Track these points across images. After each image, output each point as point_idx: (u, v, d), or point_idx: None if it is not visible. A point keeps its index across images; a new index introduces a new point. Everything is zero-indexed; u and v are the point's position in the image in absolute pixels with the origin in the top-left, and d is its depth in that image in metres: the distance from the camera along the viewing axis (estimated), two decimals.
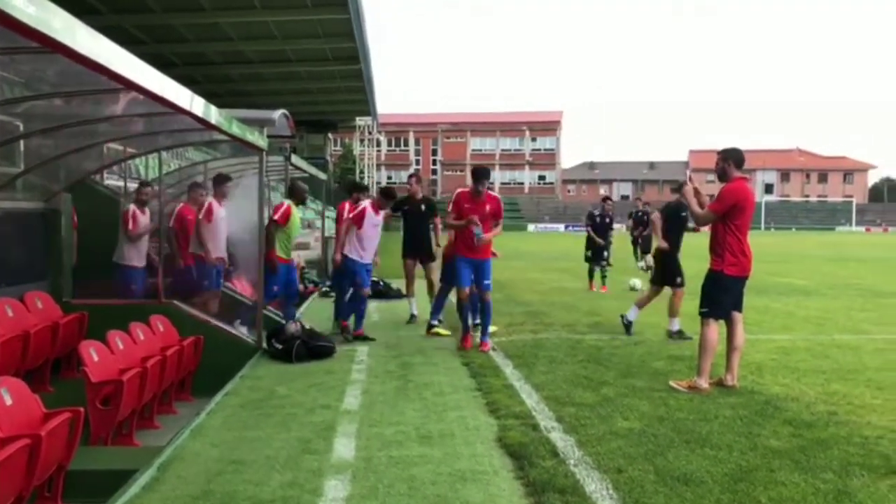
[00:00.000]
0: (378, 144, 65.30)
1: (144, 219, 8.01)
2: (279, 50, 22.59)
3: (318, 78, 26.93)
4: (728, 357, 5.69)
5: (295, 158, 10.28)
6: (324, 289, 12.39)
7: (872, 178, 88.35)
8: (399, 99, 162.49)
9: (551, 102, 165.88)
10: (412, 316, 9.18)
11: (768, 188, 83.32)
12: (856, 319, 9.52)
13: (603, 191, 65.95)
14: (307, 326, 7.27)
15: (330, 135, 46.16)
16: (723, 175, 5.72)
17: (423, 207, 9.19)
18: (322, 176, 13.36)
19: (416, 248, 9.12)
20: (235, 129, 5.85)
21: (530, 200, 74.75)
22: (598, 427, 4.58)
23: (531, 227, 62.70)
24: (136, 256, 7.98)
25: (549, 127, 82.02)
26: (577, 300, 11.55)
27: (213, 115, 5.10)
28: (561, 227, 63.21)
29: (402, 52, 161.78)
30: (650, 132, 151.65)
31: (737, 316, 5.74)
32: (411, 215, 9.14)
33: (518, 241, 37.34)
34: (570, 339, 7.78)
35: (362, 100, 32.91)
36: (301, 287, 12.34)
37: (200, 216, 8.19)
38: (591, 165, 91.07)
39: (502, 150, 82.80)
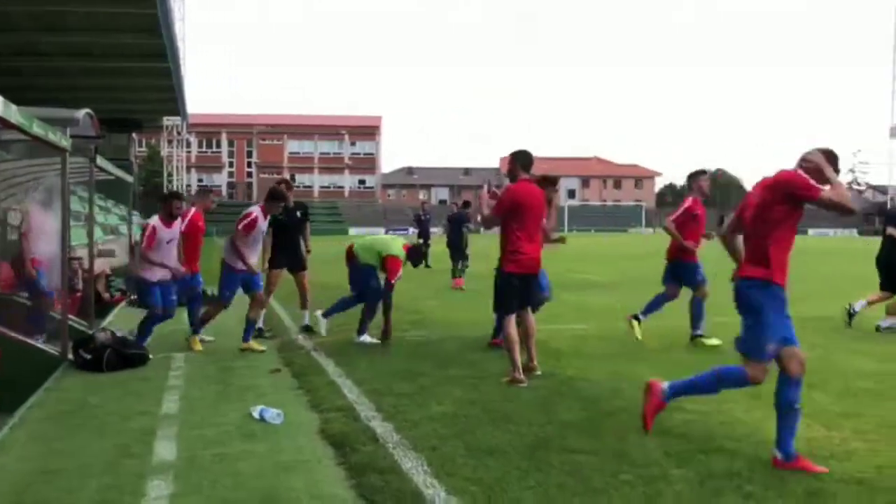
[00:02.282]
0: (188, 146, 62.28)
1: None
2: (79, 43, 21.03)
3: (123, 74, 25.30)
4: (525, 344, 6.07)
5: (100, 160, 9.74)
6: (132, 297, 11.80)
7: (659, 184, 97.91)
8: (212, 99, 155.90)
9: (370, 108, 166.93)
10: (259, 330, 8.23)
11: (571, 193, 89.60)
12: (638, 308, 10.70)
13: (422, 195, 67.66)
14: (119, 334, 7.00)
15: (135, 135, 43.39)
16: (512, 177, 6.04)
17: (298, 214, 8.73)
18: (129, 178, 12.70)
19: (290, 258, 8.63)
20: (37, 129, 5.55)
21: (350, 204, 74.84)
22: (415, 413, 4.92)
23: (352, 230, 62.73)
24: None
25: (368, 131, 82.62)
26: (401, 301, 11.87)
27: (14, 113, 4.84)
28: (382, 230, 63.80)
29: (218, 51, 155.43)
30: (465, 139, 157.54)
31: (526, 312, 6.08)
32: (286, 224, 8.50)
33: (341, 246, 37.28)
34: (393, 337, 8.10)
35: (170, 98, 31.35)
36: (107, 296, 11.71)
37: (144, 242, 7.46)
38: (410, 170, 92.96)
39: (321, 153, 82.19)
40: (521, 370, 5.81)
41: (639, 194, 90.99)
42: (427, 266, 18.65)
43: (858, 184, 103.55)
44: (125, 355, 6.63)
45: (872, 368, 6.43)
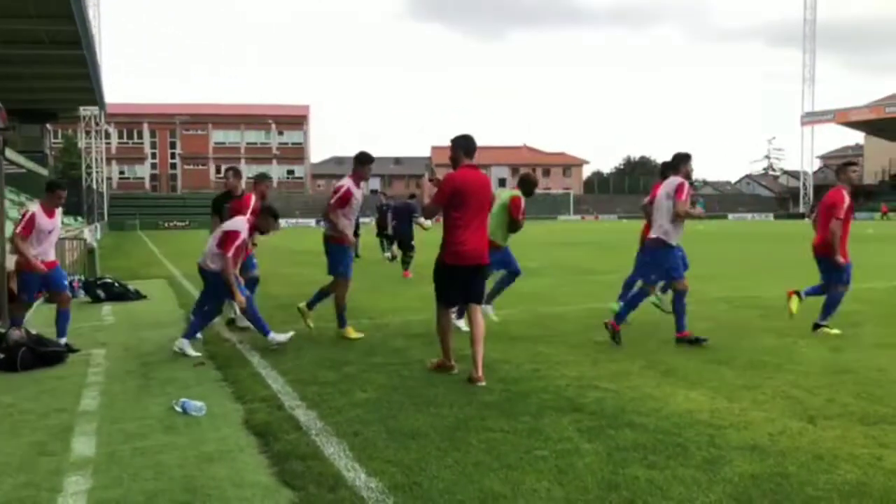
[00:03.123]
0: (107, 136, 60.05)
1: None
2: None
3: (32, 62, 24.22)
4: (471, 349, 5.57)
5: (9, 153, 9.38)
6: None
7: (586, 172, 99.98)
8: (132, 87, 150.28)
9: (297, 97, 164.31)
10: (231, 320, 8.27)
11: (501, 182, 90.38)
12: (564, 293, 11.04)
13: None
14: (34, 332, 6.80)
15: (49, 126, 41.58)
16: (454, 163, 5.72)
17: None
18: (42, 171, 12.24)
19: None
20: None
21: (280, 195, 73.60)
22: (338, 400, 4.99)
23: (282, 222, 61.85)
24: None
25: (295, 121, 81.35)
26: None
27: None
28: (312, 221, 63.15)
29: (138, 37, 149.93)
30: (395, 128, 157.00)
31: (472, 308, 5.70)
32: (235, 213, 8.14)
33: (273, 237, 36.75)
34: (318, 327, 8.11)
35: (87, 88, 30.18)
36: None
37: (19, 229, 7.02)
38: (339, 160, 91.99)
39: (248, 143, 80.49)
40: (452, 357, 5.71)
41: (567, 182, 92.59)
42: (357, 256, 18.71)
43: (774, 170, 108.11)
44: (40, 353, 6.45)
45: (773, 344, 6.84)
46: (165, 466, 3.86)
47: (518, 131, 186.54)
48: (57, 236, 7.32)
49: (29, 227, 6.91)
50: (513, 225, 7.88)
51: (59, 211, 7.26)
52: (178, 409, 4.89)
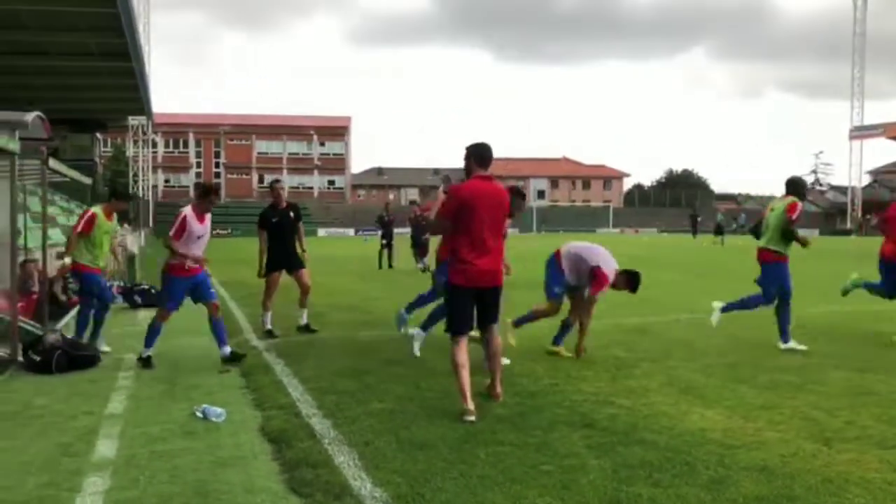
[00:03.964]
0: (154, 146, 61.61)
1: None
2: (33, 41, 20.79)
3: (83, 74, 25.06)
4: (489, 365, 5.41)
5: (54, 162, 9.73)
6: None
7: (627, 185, 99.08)
8: (179, 97, 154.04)
9: (339, 108, 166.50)
10: (269, 332, 8.36)
11: (540, 194, 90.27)
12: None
13: (392, 196, 67.76)
14: (68, 336, 7.05)
15: (99, 135, 42.83)
16: (467, 174, 5.29)
17: (291, 215, 8.63)
18: (86, 180, 12.66)
19: (286, 260, 8.55)
20: None
21: (320, 205, 74.52)
22: (354, 410, 5.08)
23: (321, 231, 62.58)
24: None
25: (337, 132, 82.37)
26: (356, 301, 12.08)
27: None
28: (351, 231, 63.82)
29: (185, 49, 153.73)
30: (435, 139, 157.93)
31: (490, 328, 5.30)
32: (280, 226, 8.46)
33: (310, 246, 37.30)
34: (344, 337, 8.25)
35: (135, 98, 31.04)
36: (64, 298, 11.66)
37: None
38: (380, 171, 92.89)
39: (290, 153, 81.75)
40: (468, 398, 4.91)
41: (607, 195, 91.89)
42: (391, 266, 18.90)
43: (821, 184, 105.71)
44: (74, 357, 6.69)
45: (798, 363, 6.73)
46: (181, 470, 3.99)
47: (558, 143, 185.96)
48: (206, 242, 7.14)
49: (181, 230, 6.79)
50: None
51: (209, 216, 7.15)
52: (199, 414, 5.04)
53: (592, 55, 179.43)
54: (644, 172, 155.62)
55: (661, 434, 4.52)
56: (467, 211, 5.05)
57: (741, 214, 68.54)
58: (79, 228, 7.33)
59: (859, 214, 73.93)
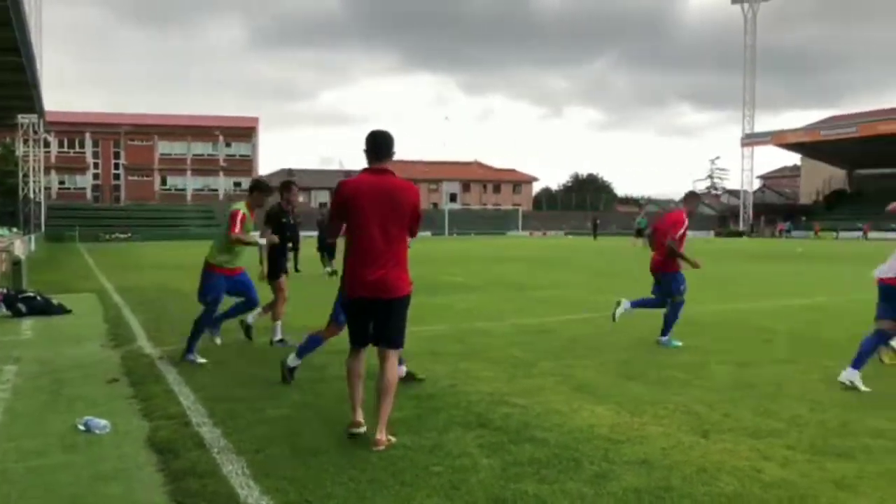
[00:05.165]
0: (46, 145, 58.42)
1: None
2: None
3: None
4: (375, 403, 4.47)
5: None
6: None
7: (536, 188, 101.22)
8: (77, 95, 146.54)
9: (246, 108, 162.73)
10: (281, 341, 7.93)
11: (452, 197, 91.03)
12: (494, 309, 11.16)
13: (302, 198, 66.54)
14: None
15: None
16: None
17: (299, 219, 8.51)
18: None
19: (285, 265, 8.35)
20: None
21: (226, 208, 72.53)
22: (247, 417, 4.97)
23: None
24: None
25: (243, 133, 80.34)
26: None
27: None
28: (257, 233, 62.34)
29: (82, 45, 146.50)
30: (345, 141, 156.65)
31: (382, 353, 4.51)
32: (291, 228, 8.28)
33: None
34: (242, 342, 8.05)
35: (25, 95, 29.42)
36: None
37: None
38: (290, 172, 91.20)
39: (194, 155, 79.15)
40: (358, 410, 4.52)
41: (517, 198, 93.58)
42: (297, 270, 18.60)
43: (716, 189, 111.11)
44: None
45: (687, 360, 7.04)
46: (57, 485, 3.80)
47: (471, 147, 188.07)
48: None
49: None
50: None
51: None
52: (81, 427, 4.81)
53: (503, 61, 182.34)
54: (552, 176, 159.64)
55: (551, 431, 4.64)
56: (351, 209, 4.42)
57: (637, 219, 71.22)
58: (235, 229, 7.11)
59: (750, 217, 78.03)
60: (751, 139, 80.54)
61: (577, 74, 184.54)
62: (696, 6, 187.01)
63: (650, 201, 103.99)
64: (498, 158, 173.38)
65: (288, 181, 8.57)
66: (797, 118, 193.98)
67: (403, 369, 5.80)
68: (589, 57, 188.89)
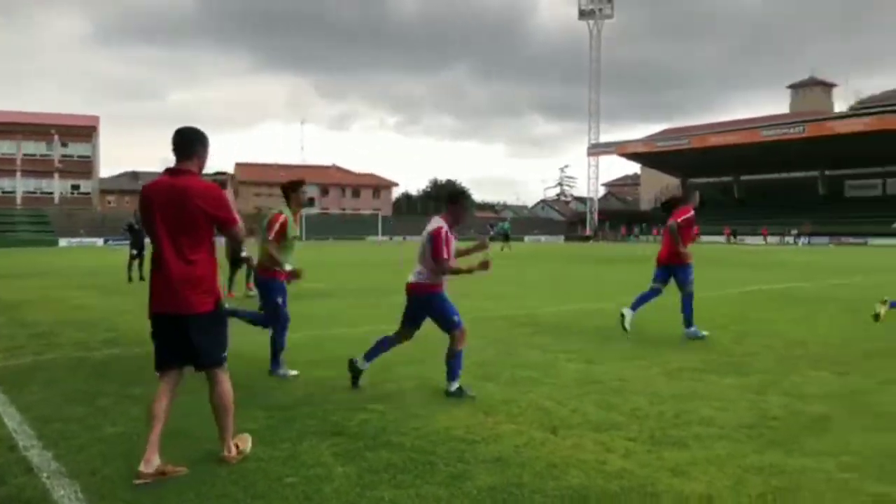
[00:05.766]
0: None
1: None
2: None
3: None
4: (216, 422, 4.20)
5: None
6: None
7: (395, 193, 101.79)
8: None
9: (87, 107, 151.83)
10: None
11: (310, 202, 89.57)
12: (352, 315, 11.07)
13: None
14: None
15: None
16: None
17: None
18: None
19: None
20: None
21: (61, 212, 67.21)
22: (82, 437, 4.61)
23: (63, 241, 56.43)
24: None
25: (82, 132, 74.85)
26: (101, 317, 11.03)
27: None
28: (100, 240, 58.30)
29: None
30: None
31: (208, 374, 4.13)
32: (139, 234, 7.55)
33: (49, 257, 33.52)
34: (77, 357, 7.48)
35: None
36: None
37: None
38: (135, 175, 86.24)
39: (25, 154, 72.78)
40: (153, 448, 3.90)
41: (377, 203, 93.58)
42: (141, 279, 17.55)
43: (565, 196, 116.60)
44: None
45: (538, 359, 7.31)
46: None
47: (329, 151, 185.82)
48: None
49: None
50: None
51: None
52: None
53: (361, 65, 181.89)
54: (411, 182, 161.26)
55: (408, 435, 4.64)
56: (146, 215, 4.03)
57: (499, 223, 73.37)
58: (271, 234, 6.50)
59: (596, 222, 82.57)
60: (596, 149, 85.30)
61: (434, 82, 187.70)
62: (546, 20, 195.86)
63: (506, 207, 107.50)
64: (357, 163, 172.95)
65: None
66: (638, 130, 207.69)
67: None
68: (445, 65, 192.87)
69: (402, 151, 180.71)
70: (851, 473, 3.94)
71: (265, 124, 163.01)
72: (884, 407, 5.41)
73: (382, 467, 4.02)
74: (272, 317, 6.72)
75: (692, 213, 9.02)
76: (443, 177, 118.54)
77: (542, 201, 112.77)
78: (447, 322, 5.78)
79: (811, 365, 6.97)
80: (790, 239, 61.71)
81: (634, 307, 8.86)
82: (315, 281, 17.91)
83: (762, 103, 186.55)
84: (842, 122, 66.30)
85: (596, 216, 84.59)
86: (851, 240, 57.51)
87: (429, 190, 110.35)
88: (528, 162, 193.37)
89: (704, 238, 61.41)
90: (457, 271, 5.73)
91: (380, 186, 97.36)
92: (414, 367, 6.88)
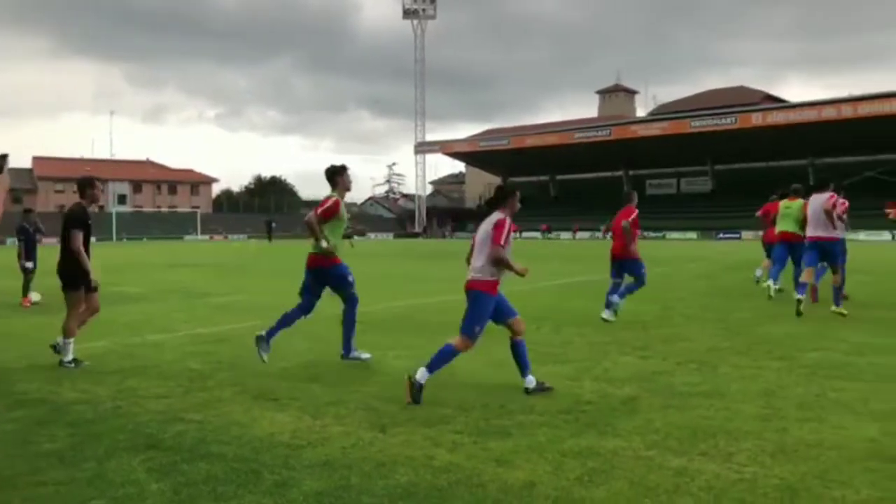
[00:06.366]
0: None
1: None
2: None
3: None
4: None
5: None
6: None
7: (216, 190, 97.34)
8: None
9: None
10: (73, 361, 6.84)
11: (121, 199, 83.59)
12: (168, 319, 10.41)
13: None
14: None
15: None
16: None
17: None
18: None
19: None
20: None
21: None
22: None
23: None
24: None
25: None
26: None
27: None
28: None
29: None
30: None
31: None
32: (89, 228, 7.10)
33: None
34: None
35: None
36: None
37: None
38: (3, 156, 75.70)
39: None
40: None
41: (196, 200, 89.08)
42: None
43: (394, 193, 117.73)
44: None
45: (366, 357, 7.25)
46: None
47: (142, 145, 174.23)
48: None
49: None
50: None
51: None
52: None
53: (176, 53, 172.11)
54: (233, 178, 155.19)
55: (229, 445, 4.41)
56: None
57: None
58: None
59: (424, 219, 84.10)
60: (423, 147, 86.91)
61: (257, 74, 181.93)
62: (372, 17, 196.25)
63: None
64: (174, 158, 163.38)
65: (91, 177, 7.29)
66: (464, 129, 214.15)
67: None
68: (268, 57, 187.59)
69: (224, 146, 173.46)
70: (656, 450, 4.27)
71: (70, 115, 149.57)
72: (679, 387, 5.93)
73: (201, 480, 3.79)
74: (353, 299, 7.04)
75: (636, 212, 9.76)
76: (267, 173, 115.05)
77: (371, 198, 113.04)
78: (469, 325, 5.70)
79: (619, 351, 7.50)
80: (599, 234, 66.39)
81: (608, 306, 9.72)
82: (125, 284, 16.70)
83: (575, 106, 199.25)
84: (642, 125, 72.46)
85: (424, 213, 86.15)
86: (652, 234, 62.93)
87: (251, 186, 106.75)
88: (357, 158, 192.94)
89: (525, 234, 64.55)
90: (508, 264, 5.67)
91: (199, 182, 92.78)
92: (233, 372, 6.57)
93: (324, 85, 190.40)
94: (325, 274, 6.98)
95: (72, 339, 6.92)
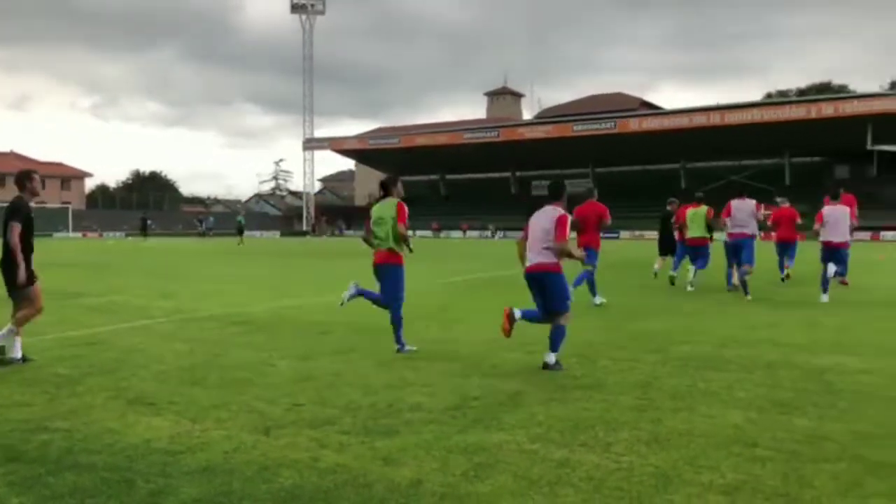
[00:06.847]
0: None
1: None
2: None
3: None
4: None
5: None
6: None
7: (90, 185, 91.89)
8: None
9: None
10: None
11: None
12: (38, 323, 9.66)
13: None
14: None
15: None
16: None
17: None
18: None
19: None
20: None
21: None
22: None
23: None
24: None
25: None
26: None
27: None
28: None
29: None
30: None
31: None
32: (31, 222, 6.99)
33: None
34: None
35: None
36: None
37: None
38: None
39: None
40: None
41: (66, 196, 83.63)
42: None
43: (281, 190, 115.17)
44: None
45: (249, 359, 7.04)
46: None
47: (5, 136, 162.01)
48: None
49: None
50: None
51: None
52: None
53: (43, 38, 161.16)
54: (109, 173, 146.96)
55: (100, 454, 4.16)
56: None
57: (209, 218, 70.16)
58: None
59: (313, 217, 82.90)
60: (311, 144, 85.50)
61: (136, 63, 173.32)
62: (260, 9, 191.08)
63: (217, 201, 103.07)
64: (42, 150, 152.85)
65: (29, 170, 7.20)
66: (353, 126, 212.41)
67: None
68: (148, 46, 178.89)
69: (99, 138, 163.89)
70: (540, 443, 4.38)
71: None
72: (561, 380, 6.11)
73: (68, 492, 3.55)
74: (399, 297, 7.33)
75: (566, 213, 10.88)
76: (146, 167, 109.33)
77: (257, 195, 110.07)
78: (561, 303, 6.54)
79: (506, 347, 7.65)
80: (488, 233, 67.61)
81: (594, 293, 11.49)
82: None
83: (464, 106, 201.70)
84: (528, 128, 74.36)
85: (313, 211, 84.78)
86: None
87: (130, 181, 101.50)
88: (242, 153, 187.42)
89: (418, 232, 64.83)
90: (570, 254, 6.63)
91: (70, 177, 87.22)
92: (106, 377, 6.22)
93: (209, 78, 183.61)
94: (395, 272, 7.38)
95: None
